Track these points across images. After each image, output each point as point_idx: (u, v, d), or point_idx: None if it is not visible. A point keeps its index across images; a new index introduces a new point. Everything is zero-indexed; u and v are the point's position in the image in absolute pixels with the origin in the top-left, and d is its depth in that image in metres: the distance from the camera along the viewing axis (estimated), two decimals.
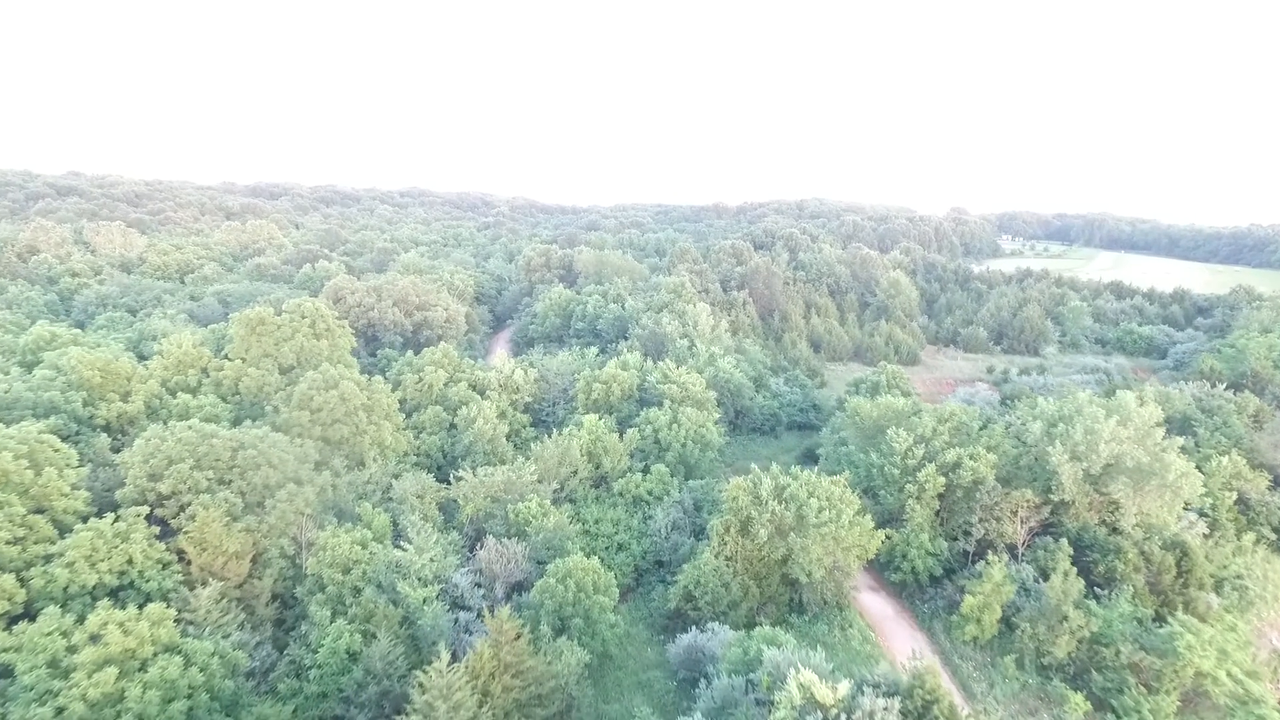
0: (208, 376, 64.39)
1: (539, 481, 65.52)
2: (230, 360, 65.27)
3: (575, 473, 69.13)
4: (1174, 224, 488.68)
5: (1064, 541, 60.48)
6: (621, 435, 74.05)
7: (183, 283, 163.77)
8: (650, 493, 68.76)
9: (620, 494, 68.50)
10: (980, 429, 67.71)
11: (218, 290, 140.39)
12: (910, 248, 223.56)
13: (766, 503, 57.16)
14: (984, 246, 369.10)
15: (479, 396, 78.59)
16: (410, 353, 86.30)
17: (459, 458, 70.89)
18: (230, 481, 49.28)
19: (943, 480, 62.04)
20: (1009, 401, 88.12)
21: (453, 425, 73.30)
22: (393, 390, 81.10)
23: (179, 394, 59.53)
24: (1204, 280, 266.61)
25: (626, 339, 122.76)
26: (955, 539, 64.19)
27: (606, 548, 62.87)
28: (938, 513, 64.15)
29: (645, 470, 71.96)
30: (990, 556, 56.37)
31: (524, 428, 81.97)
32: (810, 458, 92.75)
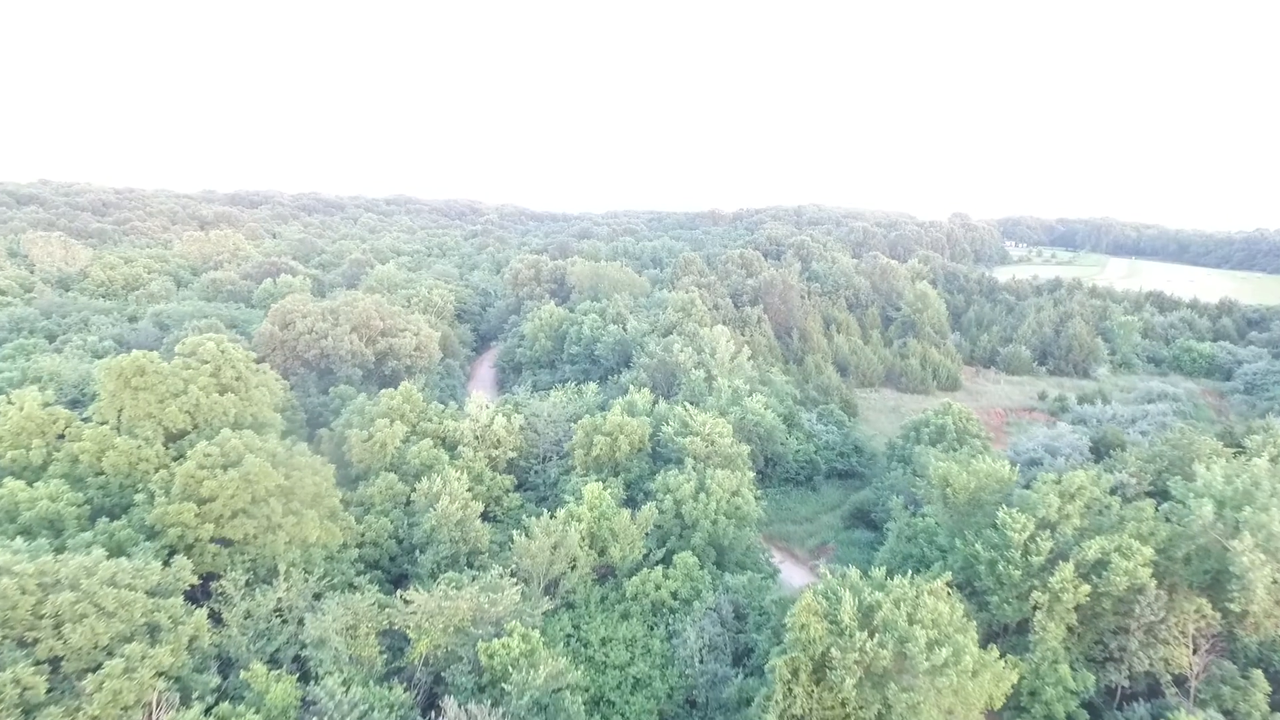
0: (63, 447, 46.43)
1: (525, 585, 47.93)
2: (95, 425, 47.28)
3: (574, 565, 51.54)
4: (1182, 229, 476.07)
5: (1258, 675, 43.39)
6: (634, 512, 56.41)
7: (126, 301, 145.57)
8: (675, 595, 51.08)
9: (634, 598, 50.77)
10: (1121, 505, 50.39)
11: (157, 311, 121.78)
12: (929, 256, 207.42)
13: (850, 633, 39.64)
14: (992, 253, 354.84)
15: (447, 459, 60.82)
16: (363, 396, 68.40)
17: (417, 547, 53.05)
18: (35, 643, 31.53)
19: (1087, 588, 44.75)
20: (1110, 453, 70.97)
21: (409, 501, 55.44)
22: (337, 448, 63.39)
23: (8, 480, 41.60)
24: (1231, 288, 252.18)
25: (630, 367, 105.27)
26: (1097, 660, 47.01)
27: (619, 685, 45.19)
28: (1071, 628, 46.90)
29: (666, 561, 54.33)
30: (1183, 716, 38.85)
31: (505, 494, 64.19)
32: (862, 519, 75.61)
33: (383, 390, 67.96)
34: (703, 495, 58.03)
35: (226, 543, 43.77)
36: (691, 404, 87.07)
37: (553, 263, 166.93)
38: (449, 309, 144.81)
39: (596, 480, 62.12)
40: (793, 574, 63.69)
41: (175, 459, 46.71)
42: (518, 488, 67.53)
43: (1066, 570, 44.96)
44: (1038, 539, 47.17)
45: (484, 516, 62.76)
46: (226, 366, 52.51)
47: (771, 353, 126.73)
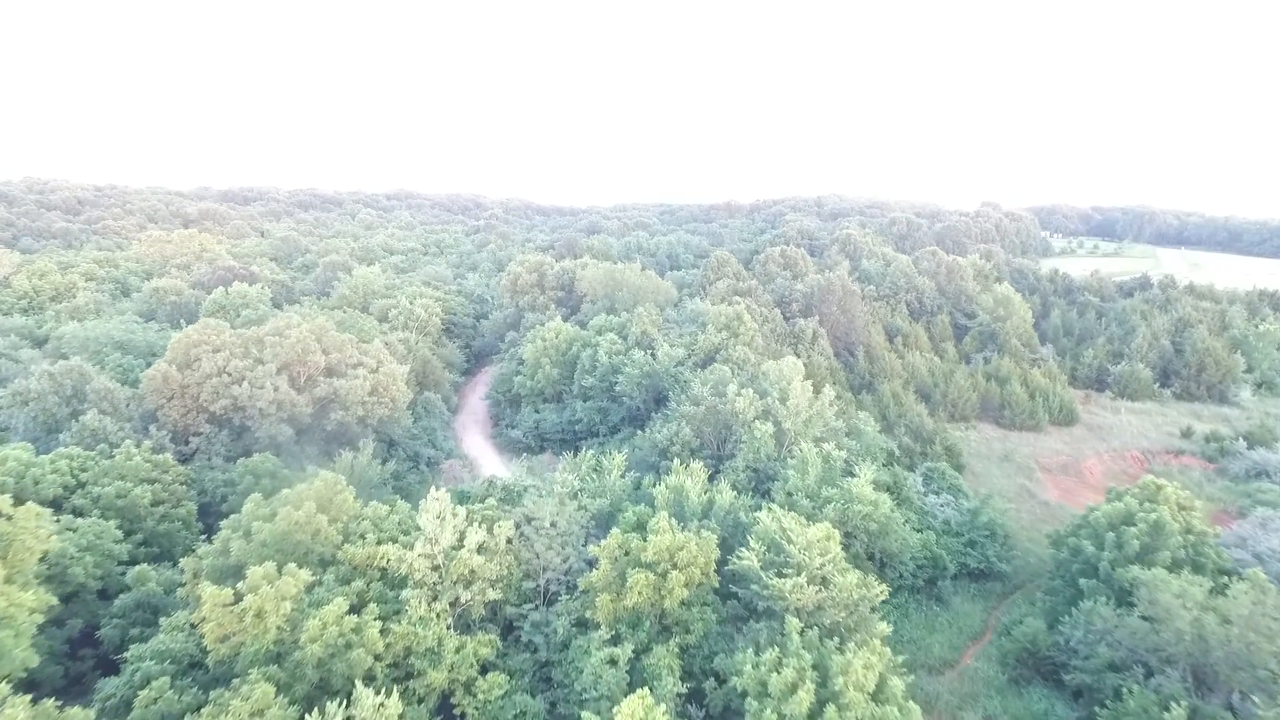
0: None
1: None
2: None
3: None
4: (1231, 216, 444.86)
5: None
6: None
7: (44, 317, 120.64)
8: None
9: None
10: None
11: (62, 335, 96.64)
12: (992, 251, 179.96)
13: None
14: (1035, 245, 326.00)
15: (377, 629, 35.07)
16: (252, 500, 42.58)
17: None
18: None
19: None
20: None
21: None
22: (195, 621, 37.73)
23: None
24: None
25: (662, 407, 79.52)
26: None
27: None
28: None
29: None
30: None
31: (480, 677, 38.20)
32: (1033, 666, 49.28)
33: (283, 492, 42.13)
34: (830, 708, 32.00)
35: None
36: (754, 471, 61.51)
37: (559, 264, 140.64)
38: (435, 323, 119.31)
39: (630, 663, 36.54)
40: None
41: None
42: (504, 641, 41.79)
43: None
44: None
45: (447, 713, 37.30)
46: None
47: (834, 378, 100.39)
